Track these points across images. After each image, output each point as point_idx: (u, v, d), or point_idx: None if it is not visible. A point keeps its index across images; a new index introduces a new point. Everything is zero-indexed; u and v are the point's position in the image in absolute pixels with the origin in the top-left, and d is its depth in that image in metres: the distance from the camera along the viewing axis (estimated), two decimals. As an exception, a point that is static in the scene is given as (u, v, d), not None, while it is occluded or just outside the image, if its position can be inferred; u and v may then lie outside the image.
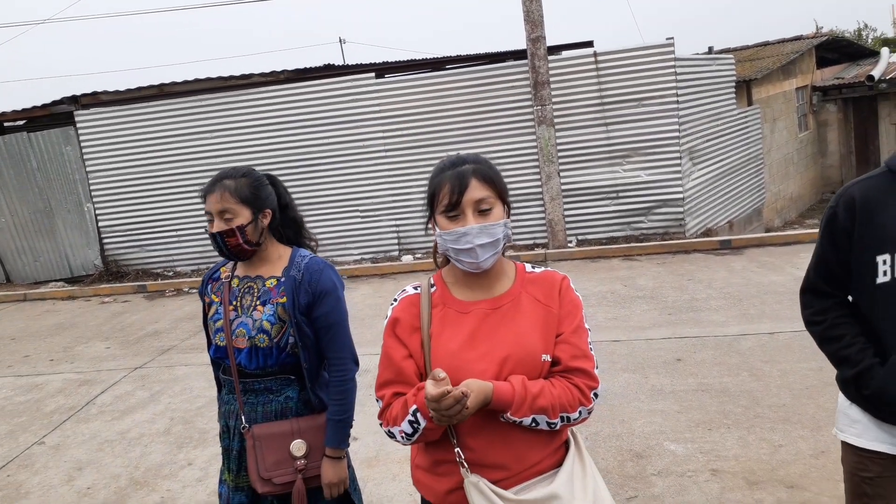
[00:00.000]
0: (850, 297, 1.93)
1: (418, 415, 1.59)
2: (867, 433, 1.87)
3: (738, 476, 3.45)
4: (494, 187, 1.65)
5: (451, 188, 1.62)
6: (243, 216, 2.14)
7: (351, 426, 2.22)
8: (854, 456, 1.91)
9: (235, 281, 2.26)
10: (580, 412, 1.63)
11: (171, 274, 10.67)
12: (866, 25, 31.09)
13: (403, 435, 1.63)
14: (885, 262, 1.78)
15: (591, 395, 1.64)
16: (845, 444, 1.94)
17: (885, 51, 17.50)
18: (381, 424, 1.71)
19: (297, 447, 2.16)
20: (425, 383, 1.52)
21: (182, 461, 4.28)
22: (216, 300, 2.26)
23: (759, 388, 4.42)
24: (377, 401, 1.73)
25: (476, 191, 1.62)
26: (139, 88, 10.60)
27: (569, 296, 1.71)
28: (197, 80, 10.54)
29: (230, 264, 2.33)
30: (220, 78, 10.46)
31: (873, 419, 1.85)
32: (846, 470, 1.95)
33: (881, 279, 1.79)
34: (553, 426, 1.62)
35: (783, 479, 3.38)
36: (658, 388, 4.62)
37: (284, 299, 2.17)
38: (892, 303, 1.79)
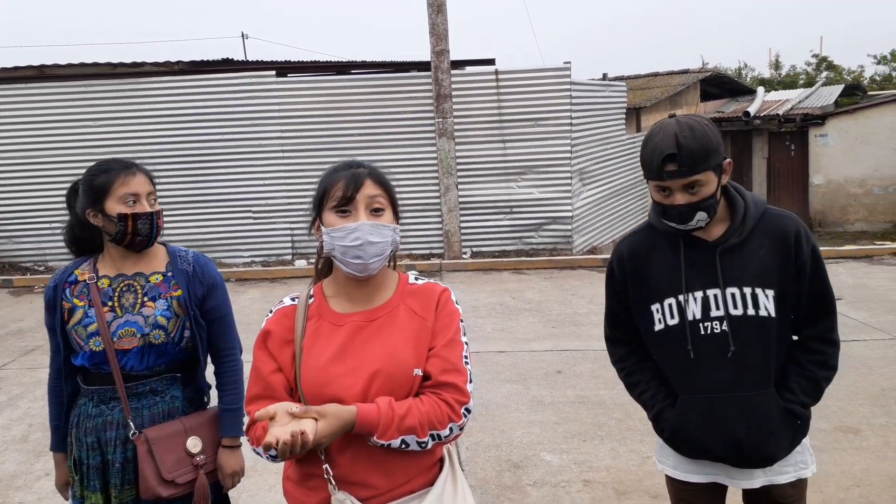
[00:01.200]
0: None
1: (260, 451, 1.55)
2: (682, 466, 2.00)
3: (609, 486, 3.61)
4: (387, 192, 1.65)
5: (345, 184, 1.60)
6: (156, 201, 2.17)
7: (244, 414, 2.17)
8: (675, 485, 2.07)
9: (105, 281, 2.13)
10: (451, 429, 1.58)
11: (41, 269, 9.95)
12: (746, 65, 33.58)
13: (267, 455, 1.56)
14: (657, 311, 1.93)
15: (462, 411, 1.59)
16: (667, 475, 2.09)
17: (760, 90, 19.02)
18: (248, 440, 1.65)
19: (193, 444, 2.13)
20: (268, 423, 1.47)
21: (39, 471, 3.98)
22: (80, 304, 2.11)
23: (632, 401, 4.61)
24: (245, 415, 1.68)
25: (370, 188, 1.61)
26: (17, 68, 9.89)
27: (446, 308, 1.69)
28: (83, 65, 9.95)
29: (86, 265, 2.18)
30: (108, 64, 9.92)
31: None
32: (671, 498, 2.11)
33: (658, 327, 1.93)
34: (423, 445, 1.57)
35: (649, 489, 3.56)
36: (538, 400, 4.76)
37: (179, 292, 2.13)
38: (669, 348, 1.92)
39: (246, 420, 1.66)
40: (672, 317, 1.90)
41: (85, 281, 2.13)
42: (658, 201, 1.86)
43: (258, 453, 1.61)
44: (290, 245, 10.04)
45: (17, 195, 9.89)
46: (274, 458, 1.56)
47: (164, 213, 2.23)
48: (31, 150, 9.77)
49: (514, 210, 9.91)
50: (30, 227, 9.98)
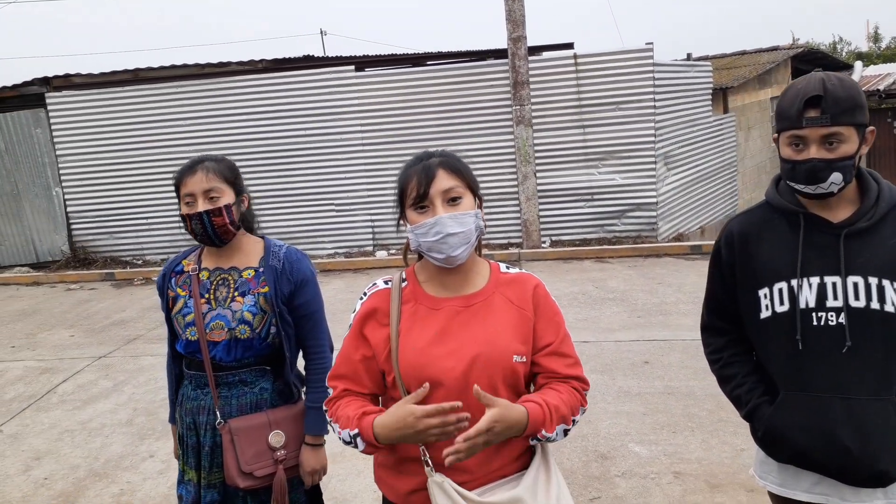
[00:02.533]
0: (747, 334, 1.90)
1: (358, 439, 1.59)
2: (788, 482, 1.81)
3: (700, 479, 3.49)
4: (463, 178, 1.64)
5: (418, 181, 1.61)
6: (228, 196, 2.14)
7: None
8: (776, 502, 1.88)
9: (205, 273, 2.20)
10: (581, 412, 1.70)
11: (139, 262, 10.50)
12: (841, 39, 31.73)
13: (340, 438, 1.65)
14: (765, 297, 1.76)
15: (585, 396, 1.71)
16: (770, 493, 1.89)
17: (858, 64, 17.88)
18: (325, 411, 1.73)
19: (276, 438, 2.15)
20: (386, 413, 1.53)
21: (144, 453, 4.21)
22: (183, 293, 2.20)
23: (723, 392, 4.46)
24: (327, 388, 1.73)
25: (444, 181, 1.61)
26: (113, 72, 10.41)
27: (547, 303, 1.71)
28: (173, 67, 10.38)
29: (193, 256, 2.28)
30: (196, 65, 10.31)
31: (785, 465, 1.80)
32: None
33: (764, 314, 1.76)
34: (567, 432, 1.65)
35: (743, 483, 3.42)
36: (625, 390, 4.65)
37: (266, 289, 2.15)
38: (775, 338, 1.75)
39: (329, 392, 1.72)
40: (781, 303, 1.72)
41: (188, 272, 2.22)
42: (787, 158, 1.68)
43: (331, 426, 1.68)
44: (371, 236, 10.20)
45: (116, 193, 10.45)
46: (346, 443, 1.63)
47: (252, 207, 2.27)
48: (127, 149, 10.29)
49: (596, 197, 9.70)
50: (128, 224, 10.53)
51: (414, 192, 1.61)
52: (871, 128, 1.67)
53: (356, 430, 1.59)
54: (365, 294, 1.75)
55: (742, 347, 1.90)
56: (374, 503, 3.48)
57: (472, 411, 1.50)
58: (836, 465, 1.68)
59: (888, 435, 1.65)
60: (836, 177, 1.63)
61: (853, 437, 1.65)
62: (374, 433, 1.56)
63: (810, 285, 1.70)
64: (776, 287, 1.74)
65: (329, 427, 1.70)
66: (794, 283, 1.71)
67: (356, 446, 1.61)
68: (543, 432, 1.57)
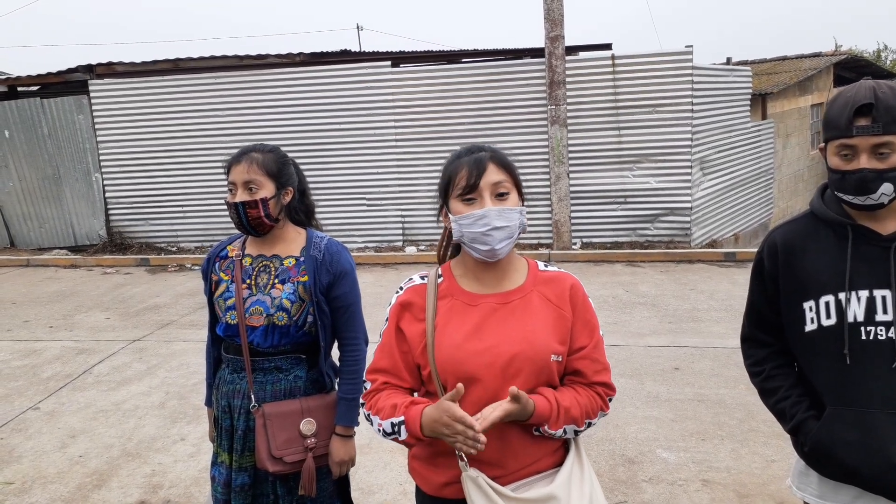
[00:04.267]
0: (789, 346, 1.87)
1: (402, 427, 1.61)
2: (828, 495, 1.78)
3: (729, 488, 3.46)
4: (510, 174, 1.66)
5: (468, 171, 1.62)
6: (267, 189, 2.16)
7: (361, 404, 2.23)
8: None
9: (248, 259, 2.25)
10: (599, 416, 1.71)
11: (174, 249, 10.68)
12: (886, 47, 30.86)
13: (381, 429, 1.66)
14: (811, 310, 1.72)
15: (609, 401, 1.73)
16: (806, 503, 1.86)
17: (903, 73, 17.44)
18: (362, 404, 1.75)
19: (307, 426, 2.18)
20: (434, 405, 1.56)
21: (175, 436, 4.29)
22: (226, 278, 2.25)
23: (755, 401, 4.39)
24: (365, 382, 1.75)
25: (493, 174, 1.62)
26: (154, 62, 10.59)
27: (585, 305, 1.72)
28: (213, 57, 10.53)
29: (238, 242, 2.32)
30: (235, 56, 10.45)
31: (825, 479, 1.77)
32: None
33: (809, 327, 1.73)
34: (578, 433, 1.68)
35: (773, 494, 3.38)
36: (654, 396, 4.62)
37: (306, 278, 2.18)
38: (821, 351, 1.71)
39: (367, 386, 1.73)
40: (828, 317, 1.69)
41: (232, 257, 2.26)
42: (836, 168, 1.64)
43: (369, 419, 1.70)
44: (401, 231, 10.24)
45: (153, 180, 10.64)
46: (386, 435, 1.66)
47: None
48: (166, 137, 10.47)
49: (629, 200, 9.62)
50: (164, 211, 10.72)
51: (463, 182, 1.62)
52: None
53: (401, 418, 1.61)
54: (401, 288, 1.76)
55: (784, 360, 1.87)
56: (399, 495, 3.51)
57: None
58: (884, 482, 1.65)
59: None
60: (888, 188, 1.60)
61: None
62: (422, 422, 1.58)
63: (859, 299, 1.66)
64: (822, 300, 1.70)
65: (367, 420, 1.71)
66: (841, 296, 1.68)
67: (398, 435, 1.62)
68: (546, 427, 1.61)
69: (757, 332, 1.91)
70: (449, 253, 1.83)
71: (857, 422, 1.66)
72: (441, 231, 1.82)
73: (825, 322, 1.70)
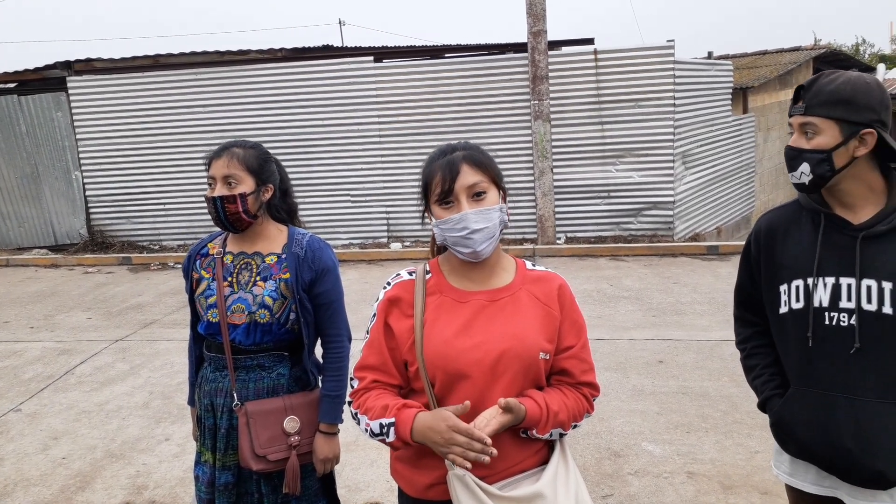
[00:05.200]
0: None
1: (391, 429, 1.60)
2: (798, 473, 1.86)
3: (714, 480, 3.49)
4: (487, 172, 1.64)
5: (442, 176, 1.61)
6: (246, 185, 2.14)
7: (345, 402, 2.22)
8: (792, 494, 1.93)
9: (229, 257, 2.23)
10: (585, 418, 1.73)
11: (156, 248, 10.58)
12: (864, 41, 31.31)
13: (368, 429, 1.65)
14: (784, 293, 1.79)
15: (593, 402, 1.76)
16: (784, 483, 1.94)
17: (881, 67, 17.68)
18: (349, 403, 1.74)
19: (291, 424, 2.17)
20: (441, 416, 1.55)
21: (159, 436, 4.25)
22: (207, 276, 2.23)
23: (739, 393, 4.45)
24: (352, 380, 1.74)
25: (468, 176, 1.61)
26: (134, 58, 10.47)
27: (573, 306, 1.74)
28: (193, 53, 10.43)
29: (219, 240, 2.30)
30: (216, 52, 10.36)
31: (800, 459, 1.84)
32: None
33: (783, 309, 1.80)
34: (564, 436, 1.70)
35: (758, 485, 3.41)
36: (639, 389, 4.65)
37: (288, 275, 2.17)
38: (790, 333, 1.79)
39: (355, 384, 1.72)
40: (797, 300, 1.76)
41: (213, 255, 2.25)
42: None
43: (356, 418, 1.69)
44: (385, 228, 10.22)
45: (134, 178, 10.53)
46: (373, 435, 1.65)
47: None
48: (146, 135, 10.36)
49: (612, 194, 9.67)
50: (146, 209, 10.61)
51: (438, 188, 1.61)
52: (869, 129, 1.65)
53: (392, 420, 1.60)
54: (388, 284, 1.75)
55: (766, 339, 1.94)
56: (387, 492, 3.50)
57: (493, 404, 1.58)
58: (834, 463, 1.72)
59: (889, 438, 1.67)
60: (805, 167, 1.68)
61: (854, 436, 1.67)
62: (413, 427, 1.56)
63: (825, 285, 1.72)
64: (794, 284, 1.77)
65: (354, 419, 1.70)
66: (809, 281, 1.74)
67: (385, 436, 1.61)
68: (534, 432, 1.63)
69: (744, 312, 2.00)
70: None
71: (817, 403, 1.74)
72: (430, 229, 1.82)
73: (794, 305, 1.77)
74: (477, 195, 1.62)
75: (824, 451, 1.72)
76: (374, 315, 1.73)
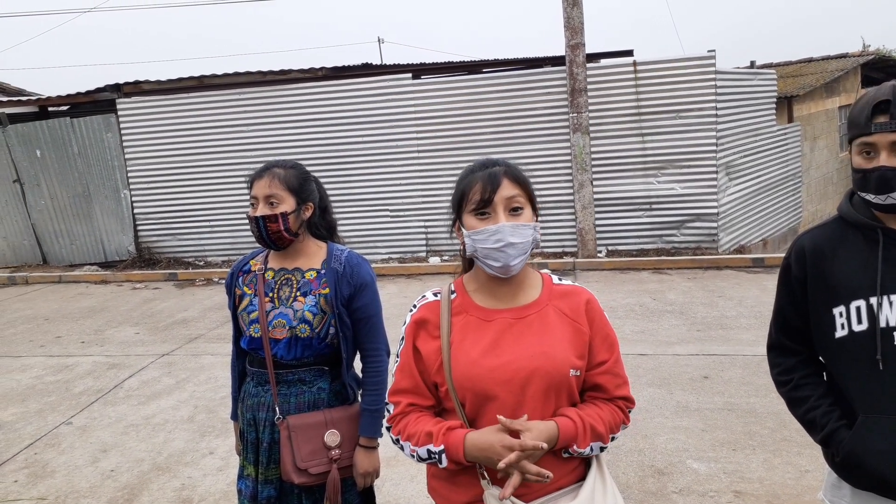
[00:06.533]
0: (818, 354, 1.82)
1: (443, 455, 1.60)
2: None
3: (762, 499, 3.39)
4: (525, 189, 1.64)
5: (482, 186, 1.60)
6: (288, 204, 2.19)
7: (384, 415, 2.24)
8: None
9: (270, 273, 2.28)
10: (621, 429, 1.71)
11: (201, 263, 10.81)
12: (915, 45, 30.33)
13: (414, 455, 1.65)
14: (841, 315, 1.68)
15: (629, 413, 1.73)
16: None
17: (933, 72, 17.08)
18: (388, 429, 1.74)
19: (331, 437, 2.19)
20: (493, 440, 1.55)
21: (204, 449, 4.32)
22: (249, 292, 2.28)
23: (787, 410, 4.29)
24: (388, 405, 1.74)
25: (508, 189, 1.60)
26: (180, 79, 10.77)
27: (602, 320, 1.71)
28: (236, 74, 10.67)
29: (261, 256, 2.35)
30: (259, 72, 10.58)
31: (860, 491, 1.72)
32: None
33: (840, 333, 1.69)
34: (604, 449, 1.66)
35: (808, 505, 3.30)
36: (683, 405, 4.55)
37: (327, 290, 2.20)
38: (853, 358, 1.67)
39: (391, 409, 1.72)
40: (860, 322, 1.65)
41: (255, 272, 2.29)
42: (858, 167, 1.63)
43: (398, 444, 1.69)
44: (424, 242, 10.26)
45: (180, 196, 10.80)
46: (421, 460, 1.65)
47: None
48: (192, 154, 10.63)
49: (654, 207, 9.53)
50: (191, 226, 10.87)
51: (477, 197, 1.60)
52: None
53: (441, 447, 1.60)
54: (414, 306, 1.75)
55: (813, 368, 1.83)
56: (427, 509, 3.49)
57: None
58: None
59: None
60: None
61: None
62: (465, 449, 1.57)
63: (891, 303, 1.63)
64: (853, 305, 1.67)
65: (396, 444, 1.70)
66: (873, 300, 1.64)
67: (439, 462, 1.61)
68: (575, 447, 1.59)
69: (784, 340, 1.87)
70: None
71: (892, 430, 1.62)
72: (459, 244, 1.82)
73: (856, 328, 1.66)
74: (514, 210, 1.61)
75: None
76: (403, 339, 1.73)
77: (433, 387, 1.68)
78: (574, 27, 9.19)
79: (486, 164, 1.67)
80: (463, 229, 1.65)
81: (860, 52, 17.41)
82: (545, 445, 1.50)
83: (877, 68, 16.58)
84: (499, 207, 1.59)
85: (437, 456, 1.60)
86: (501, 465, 1.49)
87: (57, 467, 4.19)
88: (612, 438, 1.67)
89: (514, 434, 1.53)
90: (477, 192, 1.61)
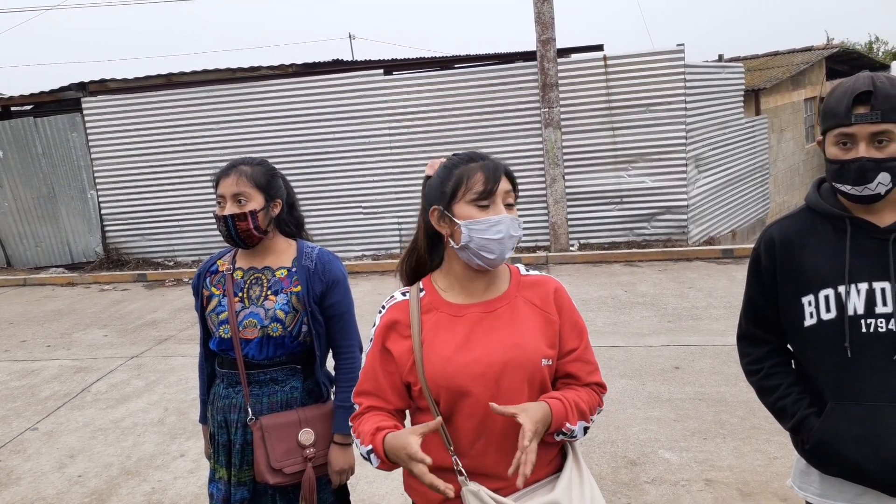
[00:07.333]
0: (787, 343, 1.84)
1: (372, 456, 1.59)
2: (829, 493, 1.75)
3: (732, 487, 3.43)
4: (515, 187, 1.65)
5: (486, 176, 1.58)
6: (256, 201, 2.16)
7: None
8: None
9: (239, 273, 2.24)
10: (598, 412, 1.72)
11: (171, 264, 10.66)
12: (878, 39, 31.01)
13: (362, 454, 1.65)
14: (810, 304, 1.70)
15: (602, 398, 1.74)
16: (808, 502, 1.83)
17: (894, 65, 17.48)
18: (350, 426, 1.73)
19: (306, 436, 2.18)
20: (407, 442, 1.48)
21: (174, 452, 4.26)
22: (217, 292, 2.24)
23: (756, 399, 4.36)
24: (353, 404, 1.73)
25: (506, 183, 1.61)
26: (147, 77, 10.60)
27: (571, 308, 1.70)
28: (205, 71, 10.53)
29: (228, 256, 2.31)
30: (228, 69, 10.45)
31: (828, 477, 1.74)
32: None
33: (808, 322, 1.71)
34: (587, 430, 1.66)
35: (777, 491, 3.35)
36: (655, 396, 4.59)
37: (299, 288, 2.18)
38: (822, 346, 1.69)
39: (355, 409, 1.71)
40: (828, 310, 1.66)
41: (223, 272, 2.26)
42: (834, 158, 1.63)
43: (360, 449, 1.66)
44: (398, 239, 10.23)
45: (148, 196, 10.63)
46: (366, 459, 1.63)
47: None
48: (160, 153, 10.47)
49: (625, 200, 9.62)
50: (160, 226, 10.71)
51: (480, 186, 1.57)
52: None
53: (370, 447, 1.60)
54: (383, 307, 1.72)
55: (783, 357, 1.85)
56: (401, 506, 3.48)
57: (502, 417, 1.51)
58: (888, 477, 1.62)
59: None
60: (885, 177, 1.58)
61: None
62: (385, 451, 1.56)
63: (858, 291, 1.64)
64: (822, 294, 1.68)
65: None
66: (841, 289, 1.66)
67: (371, 462, 1.61)
68: (568, 425, 1.58)
69: (755, 330, 1.88)
70: (408, 266, 1.76)
71: (862, 416, 1.64)
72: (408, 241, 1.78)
73: (825, 316, 1.68)
74: (508, 205, 1.61)
75: (877, 468, 1.61)
76: (371, 340, 1.71)
77: (402, 388, 1.67)
78: (545, 22, 9.21)
79: (483, 156, 1.64)
80: (455, 219, 1.59)
81: (824, 45, 17.74)
82: (441, 486, 1.44)
83: (841, 61, 16.91)
84: (499, 199, 1.59)
85: (368, 456, 1.61)
86: (425, 480, 1.45)
87: (22, 474, 4.10)
88: (592, 420, 1.67)
89: (511, 418, 1.49)
90: (479, 181, 1.57)
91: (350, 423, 1.73)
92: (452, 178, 1.61)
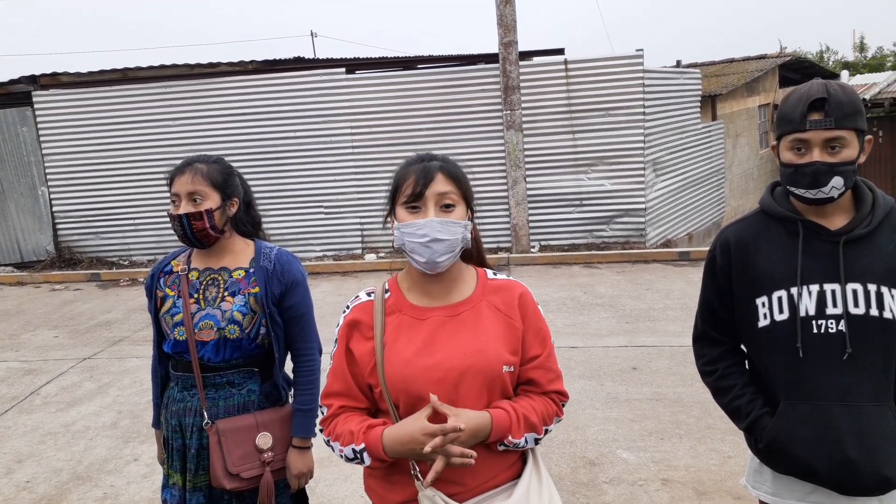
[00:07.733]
0: (742, 345, 1.88)
1: (364, 454, 1.57)
2: (782, 492, 1.79)
3: (688, 486, 3.50)
4: (460, 187, 1.61)
5: (416, 179, 1.58)
6: (212, 200, 2.11)
7: (317, 415, 2.19)
8: None
9: (194, 273, 2.19)
10: (555, 422, 1.70)
11: (126, 263, 10.41)
12: (828, 48, 32.03)
13: (343, 455, 1.62)
14: (763, 305, 1.74)
15: (563, 407, 1.72)
16: (762, 502, 1.87)
17: (844, 73, 18.10)
18: (320, 430, 1.70)
19: (263, 440, 2.14)
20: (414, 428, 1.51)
21: (128, 456, 4.16)
22: (171, 293, 2.19)
23: (711, 399, 4.45)
24: (321, 408, 1.71)
25: (441, 185, 1.58)
26: (102, 71, 10.33)
27: (535, 314, 1.69)
28: (162, 67, 10.31)
29: (183, 256, 2.26)
30: (185, 65, 10.26)
31: (780, 476, 1.78)
32: None
33: (762, 323, 1.74)
34: (538, 441, 1.65)
35: (731, 490, 3.43)
36: (613, 396, 4.65)
37: (257, 289, 2.14)
38: (775, 347, 1.73)
39: (324, 412, 1.69)
40: (781, 311, 1.70)
41: (178, 272, 2.20)
42: (788, 162, 1.67)
43: (330, 445, 1.65)
44: (359, 239, 10.17)
45: (102, 193, 10.35)
46: (349, 460, 1.62)
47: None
48: (115, 149, 10.20)
49: (585, 202, 9.73)
50: (115, 224, 10.44)
51: (409, 190, 1.58)
52: (869, 136, 1.67)
53: (362, 445, 1.56)
54: (348, 307, 1.71)
55: (737, 358, 1.88)
56: (361, 509, 3.46)
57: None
58: (840, 477, 1.66)
59: (890, 441, 1.64)
60: (838, 181, 1.63)
61: (857, 446, 1.63)
62: (384, 446, 1.54)
63: (810, 293, 1.69)
64: (775, 295, 1.72)
65: (328, 446, 1.66)
66: (793, 290, 1.70)
67: (362, 462, 1.58)
68: (511, 438, 1.57)
69: (710, 331, 1.91)
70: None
71: (813, 416, 1.68)
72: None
73: (778, 317, 1.72)
74: (445, 206, 1.59)
75: (827, 466, 1.66)
76: (336, 340, 1.69)
77: (367, 389, 1.65)
78: (507, 25, 9.26)
79: (424, 157, 1.64)
80: (395, 221, 1.62)
81: (778, 53, 18.21)
82: (463, 426, 1.46)
83: (793, 69, 17.40)
84: (430, 202, 1.57)
85: (360, 455, 1.58)
86: (427, 449, 1.46)
87: (-33, 481, 3.95)
88: (546, 431, 1.65)
89: (441, 418, 1.50)
90: (410, 184, 1.58)
91: (319, 426, 1.70)
92: (395, 181, 1.64)
